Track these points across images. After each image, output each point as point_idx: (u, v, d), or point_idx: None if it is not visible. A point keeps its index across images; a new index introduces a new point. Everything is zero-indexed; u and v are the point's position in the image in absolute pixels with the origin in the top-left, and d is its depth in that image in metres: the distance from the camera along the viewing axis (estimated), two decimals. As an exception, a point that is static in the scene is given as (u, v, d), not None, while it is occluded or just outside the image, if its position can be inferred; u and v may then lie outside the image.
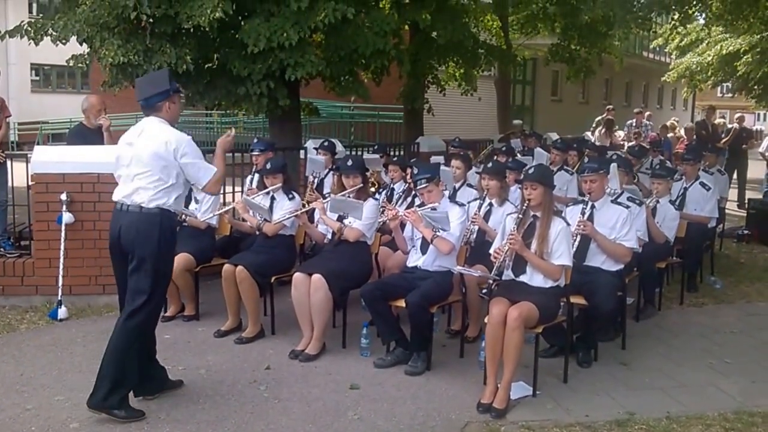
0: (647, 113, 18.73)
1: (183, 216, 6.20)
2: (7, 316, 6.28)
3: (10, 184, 7.41)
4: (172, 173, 4.32)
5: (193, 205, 6.30)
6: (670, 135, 15.44)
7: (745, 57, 18.79)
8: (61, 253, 6.33)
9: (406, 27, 12.55)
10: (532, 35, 18.16)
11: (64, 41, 8.31)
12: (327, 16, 8.03)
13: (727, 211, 10.17)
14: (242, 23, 8.38)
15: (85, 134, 7.04)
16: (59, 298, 6.30)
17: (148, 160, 4.28)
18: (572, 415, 4.50)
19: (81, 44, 8.52)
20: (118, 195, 4.41)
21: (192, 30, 8.20)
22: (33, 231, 6.72)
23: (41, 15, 8.93)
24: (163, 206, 4.32)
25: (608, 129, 15.46)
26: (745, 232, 10.43)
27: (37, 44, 8.48)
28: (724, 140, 14.09)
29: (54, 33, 8.28)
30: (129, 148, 4.39)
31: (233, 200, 7.82)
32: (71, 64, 8.66)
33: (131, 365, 4.30)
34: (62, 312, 6.23)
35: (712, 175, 8.52)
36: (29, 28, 8.48)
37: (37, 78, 29.60)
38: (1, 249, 7.03)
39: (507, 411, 4.49)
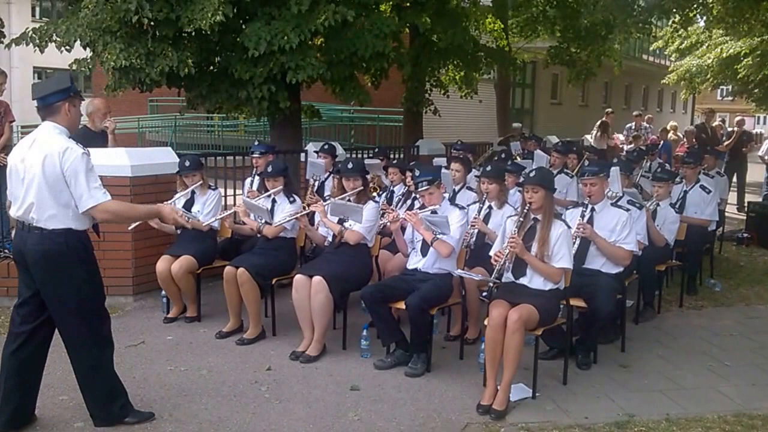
0: (648, 116, 18.76)
1: (186, 218, 6.23)
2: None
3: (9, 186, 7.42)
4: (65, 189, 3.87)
5: (195, 208, 6.33)
6: (670, 137, 15.47)
7: (745, 60, 18.83)
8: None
9: (407, 30, 12.58)
10: (531, 38, 18.19)
11: (68, 47, 8.34)
12: (327, 19, 8.06)
13: (726, 214, 10.20)
14: (243, 27, 8.41)
15: (89, 137, 7.03)
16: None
17: (44, 172, 3.83)
18: (572, 417, 4.52)
19: (84, 48, 8.55)
20: (14, 213, 4.01)
21: (193, 33, 8.23)
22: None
23: (44, 19, 8.95)
24: (69, 227, 3.92)
25: (603, 132, 15.51)
26: (745, 235, 10.46)
27: (42, 51, 8.51)
28: (726, 143, 14.11)
29: (58, 39, 8.31)
30: (21, 161, 3.93)
31: (234, 203, 7.86)
32: (74, 68, 8.68)
33: (110, 373, 4.21)
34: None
35: (712, 178, 8.55)
36: (34, 35, 8.51)
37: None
38: (6, 251, 7.06)
39: (507, 412, 4.51)
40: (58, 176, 3.84)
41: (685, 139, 15.34)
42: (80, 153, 3.87)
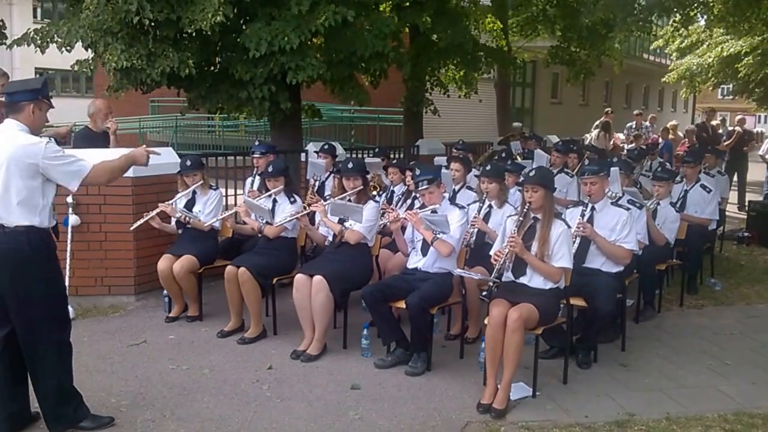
0: (651, 116, 18.76)
1: (187, 219, 6.27)
2: None
3: None
4: (35, 181, 3.86)
5: (196, 208, 6.36)
6: (670, 137, 15.50)
7: (746, 59, 18.81)
8: (68, 254, 6.38)
9: (406, 30, 12.59)
10: (531, 37, 18.19)
11: (68, 48, 8.36)
12: (327, 19, 8.06)
13: (727, 213, 10.20)
14: (244, 27, 8.43)
15: (91, 138, 7.07)
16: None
17: (8, 169, 3.82)
18: (572, 416, 4.53)
19: (86, 49, 8.57)
20: None
21: (194, 34, 8.24)
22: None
23: (46, 20, 8.96)
24: (29, 223, 3.88)
25: (606, 131, 15.52)
26: (746, 234, 10.46)
27: (43, 52, 8.52)
28: (726, 143, 14.12)
29: (59, 39, 8.33)
30: None
31: (235, 203, 7.88)
32: (76, 69, 8.70)
33: (67, 376, 4.12)
34: (69, 312, 6.26)
35: (713, 177, 8.55)
36: (35, 36, 8.53)
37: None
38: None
39: (507, 411, 4.52)
40: (25, 171, 3.83)
41: (686, 139, 15.36)
42: (45, 141, 3.92)
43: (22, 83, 4.12)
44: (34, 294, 3.93)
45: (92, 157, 4.19)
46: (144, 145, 4.30)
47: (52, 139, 4.06)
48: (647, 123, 17.17)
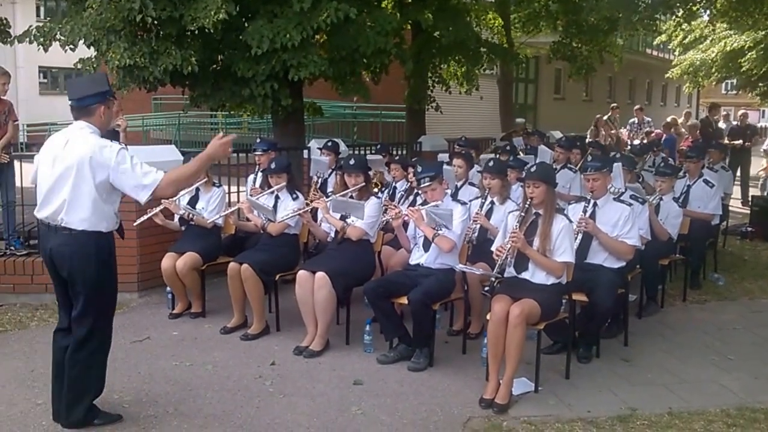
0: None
1: (190, 215, 6.29)
2: (18, 314, 6.37)
3: (18, 184, 7.51)
4: (105, 188, 3.90)
5: (200, 205, 6.38)
6: (673, 131, 15.48)
7: (749, 54, 18.74)
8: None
9: (408, 27, 12.58)
10: (534, 33, 18.15)
11: (72, 46, 8.39)
12: (329, 16, 8.07)
13: (730, 208, 10.19)
14: (246, 25, 8.44)
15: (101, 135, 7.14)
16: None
17: (79, 173, 3.84)
18: (574, 411, 4.54)
19: (88, 47, 8.59)
20: (41, 213, 4.01)
21: (197, 32, 8.26)
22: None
23: (49, 19, 8.96)
24: (98, 228, 3.94)
25: (597, 129, 15.58)
26: (749, 229, 10.44)
27: (46, 50, 8.55)
28: (729, 141, 14.04)
29: (62, 38, 8.35)
30: (53, 161, 3.94)
31: (238, 200, 7.89)
32: (79, 67, 8.72)
33: (91, 379, 4.15)
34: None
35: (716, 172, 8.54)
36: (38, 33, 8.55)
37: (45, 81, 29.82)
38: (12, 248, 7.12)
39: (509, 406, 4.53)
40: (94, 178, 3.84)
41: (689, 134, 15.33)
42: (118, 148, 3.89)
43: (88, 85, 4.08)
44: (94, 293, 3.98)
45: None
46: (220, 134, 4.10)
47: (125, 145, 4.03)
48: (648, 118, 17.14)
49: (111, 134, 7.08)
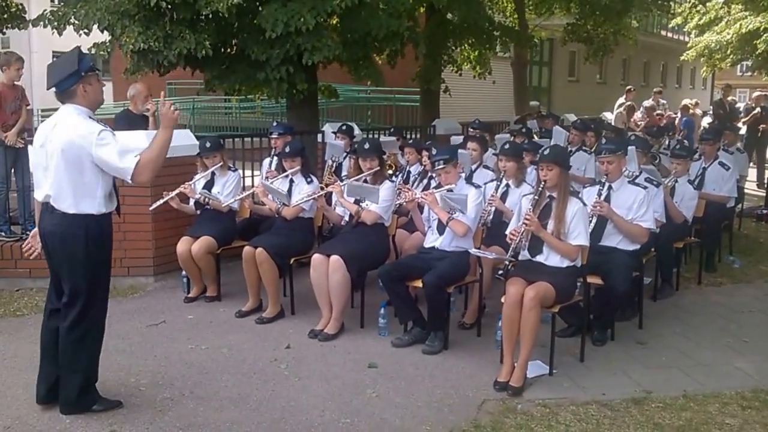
0: (655, 89, 18.51)
1: (206, 199, 6.31)
2: (35, 298, 6.42)
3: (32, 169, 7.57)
4: (91, 170, 3.86)
5: (215, 189, 6.40)
6: (691, 113, 15.35)
7: (765, 35, 18.53)
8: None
9: (422, 9, 12.50)
10: (547, 15, 18.01)
11: (86, 30, 8.41)
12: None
13: (746, 190, 10.11)
14: (260, 8, 8.42)
15: (131, 119, 7.49)
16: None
17: (64, 156, 3.82)
18: (588, 394, 4.54)
19: (102, 32, 8.61)
20: (38, 196, 4.03)
21: (211, 16, 8.24)
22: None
23: (63, 3, 8.95)
24: (88, 211, 3.92)
25: (629, 114, 15.39)
26: (764, 211, 10.38)
27: (60, 34, 8.56)
28: (743, 120, 13.93)
29: (76, 22, 8.37)
30: (42, 144, 3.93)
31: (253, 184, 7.91)
32: (93, 52, 8.74)
33: (81, 362, 4.11)
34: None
35: (732, 155, 8.47)
36: (51, 17, 8.57)
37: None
38: (28, 232, 7.16)
39: (523, 389, 4.54)
40: (79, 161, 3.83)
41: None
42: (99, 129, 3.82)
43: (60, 68, 3.94)
44: (84, 276, 3.97)
45: (132, 139, 4.10)
46: (161, 101, 4.03)
47: (108, 127, 3.93)
48: (663, 101, 16.99)
49: (140, 119, 7.22)
